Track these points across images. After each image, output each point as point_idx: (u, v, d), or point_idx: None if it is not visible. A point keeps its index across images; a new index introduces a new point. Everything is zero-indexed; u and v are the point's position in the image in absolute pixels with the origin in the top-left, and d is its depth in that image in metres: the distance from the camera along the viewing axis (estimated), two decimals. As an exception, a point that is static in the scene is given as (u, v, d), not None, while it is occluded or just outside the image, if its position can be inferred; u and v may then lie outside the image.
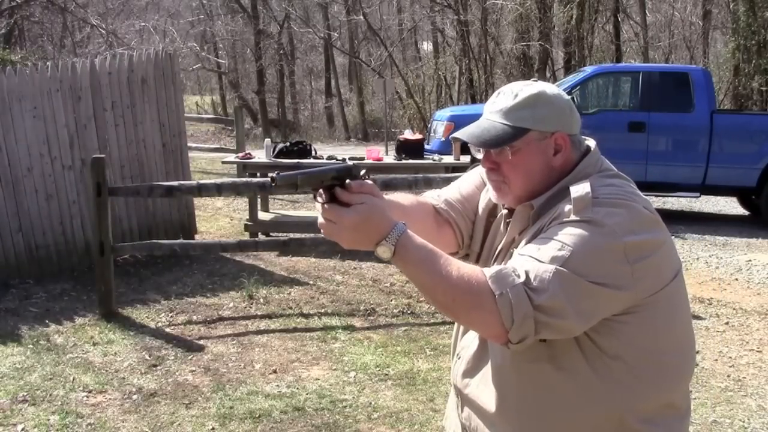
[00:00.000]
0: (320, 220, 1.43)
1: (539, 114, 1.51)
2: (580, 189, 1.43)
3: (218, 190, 6.11)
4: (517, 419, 1.52)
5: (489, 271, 1.37)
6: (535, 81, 1.59)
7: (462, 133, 1.56)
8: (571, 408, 1.47)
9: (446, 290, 1.36)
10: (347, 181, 1.41)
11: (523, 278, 1.35)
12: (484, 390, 1.57)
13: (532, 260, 1.37)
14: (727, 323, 5.63)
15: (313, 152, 8.33)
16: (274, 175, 1.39)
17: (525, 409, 1.51)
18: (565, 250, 1.36)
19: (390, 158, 8.21)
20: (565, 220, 1.41)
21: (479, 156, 1.59)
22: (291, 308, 5.89)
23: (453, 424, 1.73)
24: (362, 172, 1.44)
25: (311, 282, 6.59)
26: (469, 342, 1.64)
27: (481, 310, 1.34)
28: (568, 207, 1.42)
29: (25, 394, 4.28)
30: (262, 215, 8.28)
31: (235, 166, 8.49)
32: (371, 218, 1.38)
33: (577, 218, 1.40)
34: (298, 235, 7.26)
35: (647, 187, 8.92)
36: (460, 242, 1.71)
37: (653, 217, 1.46)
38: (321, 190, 1.41)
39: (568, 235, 1.38)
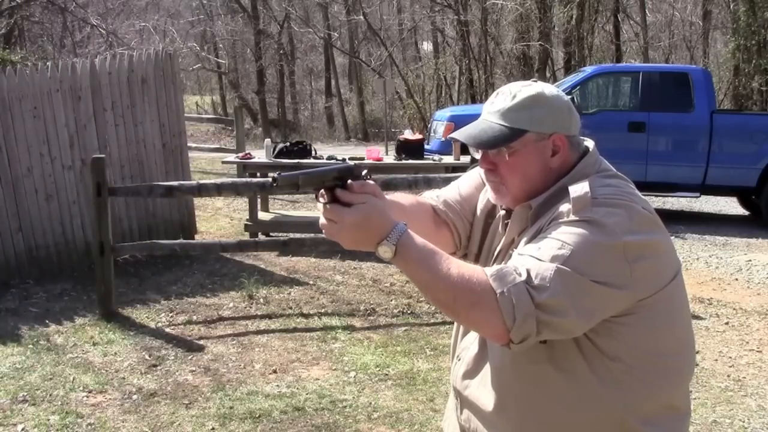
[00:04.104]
0: (322, 220, 1.43)
1: (537, 115, 1.51)
2: (578, 189, 1.43)
3: (218, 190, 6.11)
4: (517, 421, 1.52)
5: (490, 270, 1.37)
6: (535, 81, 1.59)
7: (459, 134, 1.56)
8: (572, 409, 1.47)
9: (447, 289, 1.36)
10: (349, 181, 1.41)
11: (524, 277, 1.34)
12: (483, 391, 1.57)
13: (532, 259, 1.37)
14: (727, 323, 5.63)
15: (313, 152, 8.33)
16: (275, 175, 1.39)
17: (525, 410, 1.51)
18: (566, 248, 1.36)
19: (390, 158, 8.21)
20: (565, 220, 1.41)
21: (477, 156, 1.59)
22: (291, 308, 5.89)
23: (451, 426, 1.72)
24: (364, 172, 1.44)
25: (311, 282, 6.59)
26: (469, 343, 1.64)
27: (482, 308, 1.34)
28: (567, 207, 1.42)
29: (25, 394, 4.28)
30: (262, 215, 8.28)
31: (235, 166, 8.49)
32: (372, 218, 1.38)
33: (577, 218, 1.40)
34: (298, 235, 7.26)
35: (647, 187, 8.92)
36: (457, 243, 1.71)
37: (652, 218, 1.46)
38: (323, 191, 1.41)
39: (568, 234, 1.38)
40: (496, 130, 1.52)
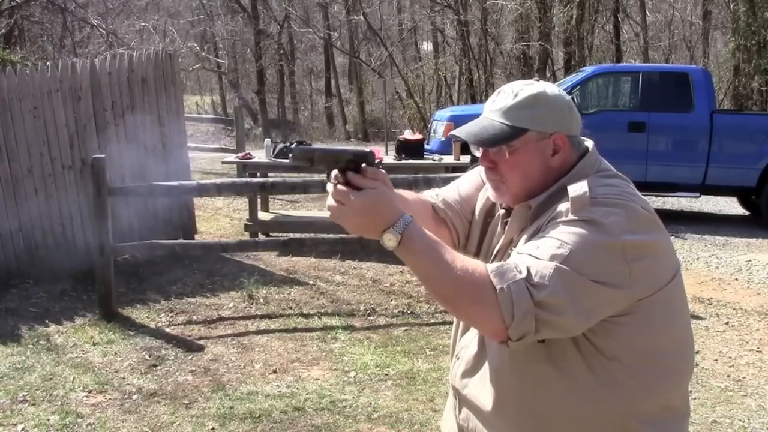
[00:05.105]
0: (329, 202, 1.43)
1: (538, 114, 1.51)
2: (577, 188, 1.43)
3: (218, 190, 6.12)
4: (516, 420, 1.52)
5: (491, 266, 1.37)
6: (537, 81, 1.59)
7: (460, 131, 1.56)
8: (570, 409, 1.47)
9: (449, 282, 1.36)
10: (363, 166, 1.42)
11: (524, 274, 1.34)
12: (482, 390, 1.57)
13: (532, 258, 1.37)
14: (727, 323, 5.63)
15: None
16: (292, 145, 1.39)
17: (523, 409, 1.51)
18: (564, 248, 1.36)
19: (390, 158, 8.21)
20: (563, 219, 1.41)
21: (478, 154, 1.59)
22: (291, 308, 5.89)
23: (450, 425, 1.72)
24: (377, 160, 1.45)
25: (311, 282, 6.59)
26: (468, 342, 1.64)
27: (482, 304, 1.34)
28: (565, 206, 1.42)
29: (25, 394, 4.28)
30: (262, 215, 8.28)
31: (235, 166, 8.49)
32: (380, 204, 1.38)
33: (575, 217, 1.40)
34: (298, 235, 7.26)
35: (647, 187, 8.92)
36: (455, 242, 1.71)
37: (651, 218, 1.45)
38: (335, 171, 1.41)
39: (567, 234, 1.38)
40: (497, 128, 1.52)
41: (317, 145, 8.32)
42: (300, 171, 7.67)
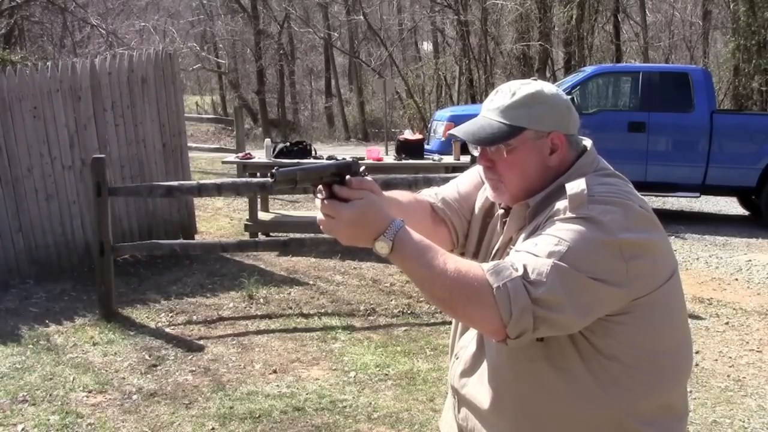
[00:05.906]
0: (319, 216, 1.44)
1: (536, 113, 1.51)
2: (575, 186, 1.44)
3: (218, 190, 6.11)
4: (514, 419, 1.52)
5: (486, 266, 1.37)
6: (535, 80, 1.59)
7: (458, 130, 1.57)
8: (568, 408, 1.47)
9: (444, 284, 1.36)
10: (347, 177, 1.42)
11: (521, 272, 1.34)
12: (480, 390, 1.57)
13: (529, 255, 1.37)
14: (727, 323, 5.63)
15: (313, 152, 8.34)
16: (273, 170, 1.39)
17: (522, 408, 1.51)
18: (562, 245, 1.36)
19: (390, 158, 8.21)
20: (561, 217, 1.41)
21: (476, 153, 1.59)
22: (291, 308, 5.89)
23: (449, 424, 1.72)
24: (362, 168, 1.45)
25: (311, 282, 6.59)
26: (467, 342, 1.64)
27: (479, 303, 1.34)
28: (563, 204, 1.42)
29: (25, 394, 4.28)
30: (262, 215, 8.28)
31: (235, 166, 8.49)
32: (369, 214, 1.39)
33: (573, 215, 1.40)
34: (298, 235, 7.26)
35: (647, 187, 8.92)
36: (455, 241, 1.71)
37: (649, 216, 1.46)
38: (320, 186, 1.42)
39: (564, 231, 1.38)
40: (495, 127, 1.52)
41: (316, 146, 8.31)
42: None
